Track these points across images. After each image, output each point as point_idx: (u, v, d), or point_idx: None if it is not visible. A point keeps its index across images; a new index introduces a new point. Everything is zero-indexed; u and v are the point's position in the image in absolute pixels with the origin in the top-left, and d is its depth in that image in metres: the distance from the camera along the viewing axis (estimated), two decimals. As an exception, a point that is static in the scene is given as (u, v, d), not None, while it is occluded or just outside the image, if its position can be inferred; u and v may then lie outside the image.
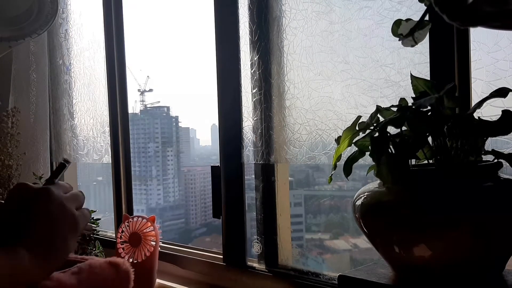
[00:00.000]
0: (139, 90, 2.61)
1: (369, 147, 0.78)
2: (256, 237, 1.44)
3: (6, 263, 0.69)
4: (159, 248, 1.60)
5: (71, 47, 2.08)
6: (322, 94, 1.21)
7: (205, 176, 2.63)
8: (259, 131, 1.37)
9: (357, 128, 0.82)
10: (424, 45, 1.01)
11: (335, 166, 0.84)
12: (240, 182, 1.44)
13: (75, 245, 0.86)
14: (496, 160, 0.75)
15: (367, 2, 1.11)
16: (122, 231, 1.61)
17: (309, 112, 1.24)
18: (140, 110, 2.79)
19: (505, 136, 0.88)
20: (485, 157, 0.79)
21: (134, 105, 2.57)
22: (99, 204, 2.45)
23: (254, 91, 1.38)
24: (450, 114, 0.77)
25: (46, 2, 1.74)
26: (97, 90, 1.97)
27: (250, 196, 1.45)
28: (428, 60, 1.02)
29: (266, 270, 1.39)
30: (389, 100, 1.08)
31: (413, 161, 0.85)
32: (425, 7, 0.69)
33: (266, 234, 1.42)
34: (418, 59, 1.04)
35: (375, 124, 0.79)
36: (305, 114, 1.25)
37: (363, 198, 0.79)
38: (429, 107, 0.75)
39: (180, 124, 2.91)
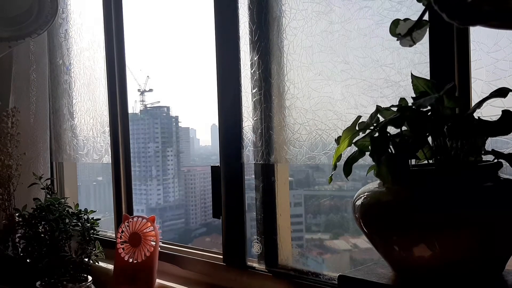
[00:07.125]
0: (139, 90, 2.60)
1: (369, 147, 0.78)
2: (256, 237, 1.44)
3: None
4: (159, 248, 1.60)
5: (71, 47, 2.08)
6: (322, 94, 1.21)
7: (205, 176, 2.63)
8: (259, 131, 1.37)
9: (357, 128, 0.82)
10: (424, 45, 1.01)
11: (335, 166, 0.84)
12: (240, 182, 1.44)
13: None
14: (496, 160, 0.75)
15: (367, 2, 1.11)
16: (122, 231, 1.61)
17: (309, 112, 1.24)
18: (140, 110, 2.79)
19: (505, 136, 0.88)
20: (485, 157, 0.79)
21: (134, 105, 2.57)
22: (99, 204, 2.45)
23: (254, 91, 1.38)
24: (450, 114, 0.77)
25: (46, 2, 1.75)
26: (97, 90, 1.97)
27: (250, 196, 1.45)
28: (428, 60, 1.02)
29: (266, 270, 1.39)
30: (389, 100, 1.07)
31: (413, 161, 0.85)
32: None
33: (266, 234, 1.42)
34: (418, 59, 1.04)
35: (375, 124, 0.79)
36: (305, 114, 1.25)
37: (363, 198, 0.79)
38: (429, 107, 0.75)
39: (180, 124, 2.91)
